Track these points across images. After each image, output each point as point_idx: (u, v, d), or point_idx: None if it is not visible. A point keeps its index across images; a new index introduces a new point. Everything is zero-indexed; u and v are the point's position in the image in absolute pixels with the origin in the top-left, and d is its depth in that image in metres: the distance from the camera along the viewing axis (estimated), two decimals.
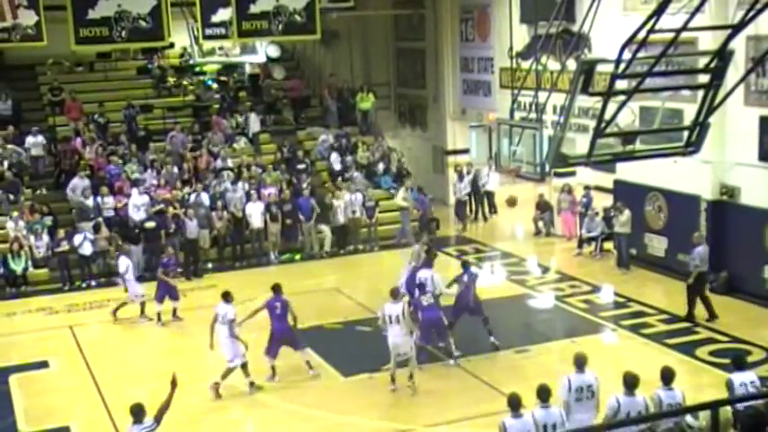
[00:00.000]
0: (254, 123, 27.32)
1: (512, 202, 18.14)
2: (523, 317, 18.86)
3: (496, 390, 14.60)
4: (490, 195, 26.55)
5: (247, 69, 29.77)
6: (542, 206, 24.57)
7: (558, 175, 22.15)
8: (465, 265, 16.78)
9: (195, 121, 27.35)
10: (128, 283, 19.07)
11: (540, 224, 24.59)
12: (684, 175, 18.85)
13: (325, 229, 23.64)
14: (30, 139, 24.72)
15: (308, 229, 23.54)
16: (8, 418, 14.26)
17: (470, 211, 26.78)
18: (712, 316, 17.11)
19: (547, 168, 13.66)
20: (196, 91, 28.47)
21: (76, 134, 25.48)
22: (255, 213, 23.13)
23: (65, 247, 21.54)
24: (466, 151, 27.84)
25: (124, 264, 19.03)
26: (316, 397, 14.56)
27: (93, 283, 21.61)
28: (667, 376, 10.62)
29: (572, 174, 23.17)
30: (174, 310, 18.85)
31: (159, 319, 18.64)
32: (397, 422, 13.51)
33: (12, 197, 23.30)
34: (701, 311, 17.21)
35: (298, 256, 23.36)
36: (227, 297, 15.20)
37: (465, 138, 27.93)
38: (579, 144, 16.10)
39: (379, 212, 24.72)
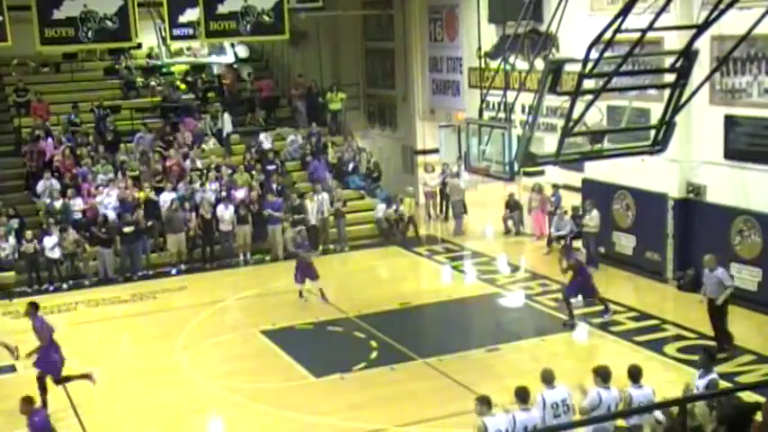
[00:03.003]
0: (227, 124, 27.20)
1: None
2: (494, 316, 18.96)
3: (468, 389, 14.64)
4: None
5: (215, 70, 29.64)
6: (512, 205, 24.69)
7: (527, 174, 22.26)
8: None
9: (164, 122, 27.18)
10: None
11: (510, 223, 24.71)
12: (652, 174, 19.02)
13: (295, 230, 23.55)
14: None
15: (274, 231, 23.39)
16: None
17: (440, 210, 26.87)
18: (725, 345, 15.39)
19: (516, 167, 13.74)
20: (164, 92, 28.29)
21: (46, 135, 25.21)
22: (225, 215, 23.03)
23: (30, 247, 21.29)
24: (436, 151, 27.87)
25: None
26: (287, 397, 14.53)
27: (62, 285, 21.40)
28: (635, 374, 10.74)
29: (541, 173, 23.30)
30: (321, 291, 19.31)
31: (301, 295, 19.31)
32: (369, 422, 13.52)
33: None
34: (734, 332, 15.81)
35: (268, 257, 23.30)
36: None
37: (435, 137, 27.98)
38: (548, 143, 16.23)
39: (348, 213, 24.72)
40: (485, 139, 13.85)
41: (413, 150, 28.68)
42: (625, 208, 20.66)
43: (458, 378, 15.05)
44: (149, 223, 22.50)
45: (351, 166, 26.79)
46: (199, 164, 25.26)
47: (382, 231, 24.78)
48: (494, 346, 16.28)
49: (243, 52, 30.11)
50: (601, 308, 17.52)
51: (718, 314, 15.44)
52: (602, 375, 10.59)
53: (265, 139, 27.02)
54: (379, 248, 24.05)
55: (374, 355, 16.21)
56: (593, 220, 20.79)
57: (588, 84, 11.98)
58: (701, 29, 11.42)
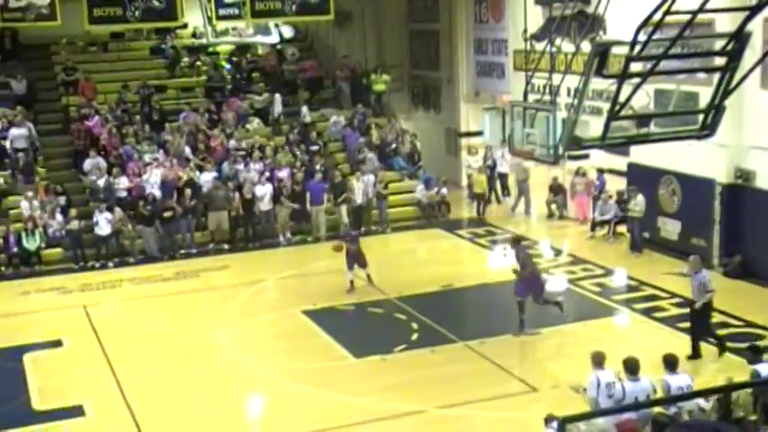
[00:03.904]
0: (277, 105, 27.27)
1: (338, 249, 19.00)
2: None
3: (508, 372, 14.63)
4: (503, 177, 26.46)
5: (260, 50, 29.73)
6: (556, 189, 24.49)
7: (571, 157, 21.99)
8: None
9: (208, 102, 27.33)
10: None
11: (553, 207, 24.52)
12: (699, 159, 18.73)
13: (342, 210, 23.62)
14: (13, 131, 24.17)
15: (317, 213, 23.50)
16: (22, 396, 14.36)
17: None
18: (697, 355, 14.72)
19: (560, 151, 13.56)
20: (209, 71, 28.43)
21: (93, 114, 25.47)
22: (265, 195, 23.14)
23: (76, 225, 21.62)
24: (479, 133, 27.73)
25: None
26: (327, 377, 14.59)
27: (107, 263, 21.67)
28: (671, 362, 10.67)
29: (585, 157, 23.00)
30: (368, 276, 19.06)
31: (351, 286, 18.82)
32: (409, 404, 13.53)
33: (27, 177, 23.37)
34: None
35: (309, 238, 23.38)
36: None
37: (478, 120, 27.83)
38: (593, 127, 16.00)
39: (390, 194, 24.70)
40: (529, 122, 13.71)
41: (456, 133, 28.54)
42: (671, 193, 20.38)
43: (498, 361, 15.00)
44: (192, 202, 22.69)
45: (393, 147, 26.75)
46: (243, 143, 25.38)
47: (423, 213, 24.74)
48: (535, 329, 16.18)
49: (288, 33, 30.15)
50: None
51: (697, 318, 14.73)
52: (630, 368, 10.53)
53: (307, 113, 27.06)
54: (421, 230, 24.02)
55: (415, 336, 16.21)
56: (637, 204, 20.55)
57: (635, 67, 11.77)
58: (753, 11, 11.16)
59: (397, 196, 25.25)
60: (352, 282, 18.79)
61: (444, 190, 25.21)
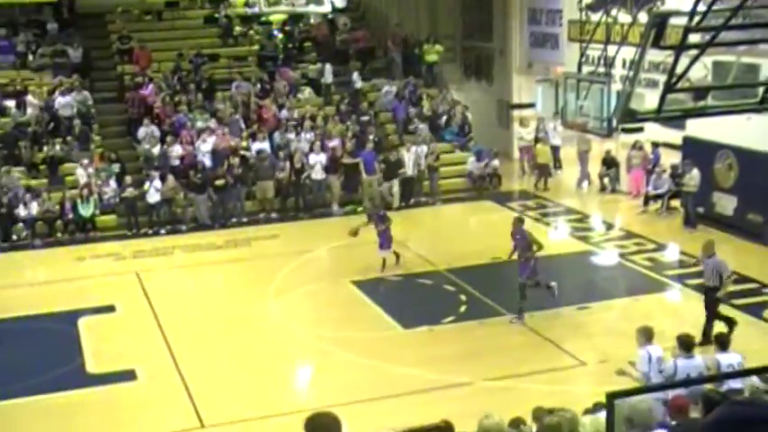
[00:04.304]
0: (328, 74, 27.27)
1: (354, 233, 18.44)
2: (585, 274, 18.69)
3: (557, 346, 14.56)
4: (555, 150, 26.19)
5: (312, 20, 29.66)
6: (608, 162, 24.18)
7: (625, 130, 21.68)
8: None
9: (261, 71, 27.40)
10: None
11: (606, 180, 24.23)
12: (758, 133, 18.31)
13: (394, 183, 23.57)
14: (59, 100, 24.43)
15: (370, 183, 23.53)
16: (76, 360, 14.66)
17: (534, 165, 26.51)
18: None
19: (614, 124, 13.39)
20: (262, 41, 28.48)
21: (147, 82, 25.70)
22: (317, 165, 23.20)
23: (131, 192, 21.92)
24: (531, 105, 27.45)
25: None
26: (375, 347, 14.65)
27: (160, 230, 21.94)
28: (722, 341, 10.54)
29: (640, 130, 22.63)
30: (396, 253, 18.45)
31: (384, 265, 18.28)
32: (456, 375, 13.54)
33: (82, 145, 23.70)
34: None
35: (360, 209, 23.41)
36: None
37: (531, 92, 27.54)
38: (648, 99, 15.74)
39: (441, 166, 24.60)
40: (583, 94, 13.53)
41: (508, 104, 28.27)
42: (727, 167, 19.99)
43: (547, 335, 14.93)
44: (243, 171, 22.82)
45: (445, 119, 26.61)
46: (294, 113, 25.43)
47: (474, 185, 24.62)
48: (584, 304, 16.05)
49: (340, 2, 29.97)
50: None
51: (712, 303, 14.20)
52: (684, 344, 10.40)
53: (357, 79, 27.03)
54: (472, 203, 23.91)
55: (463, 309, 16.19)
56: (692, 179, 20.20)
57: (694, 38, 11.52)
58: None
59: (448, 168, 25.13)
60: (397, 255, 18.53)
61: (496, 162, 25.04)
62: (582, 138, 24.37)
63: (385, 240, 18.32)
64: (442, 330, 15.30)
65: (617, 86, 13.71)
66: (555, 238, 21.24)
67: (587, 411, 9.14)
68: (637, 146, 23.13)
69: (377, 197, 23.39)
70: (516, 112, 27.76)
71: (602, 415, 7.83)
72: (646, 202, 22.28)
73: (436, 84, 28.32)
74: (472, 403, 11.90)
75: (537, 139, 25.92)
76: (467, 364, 14.00)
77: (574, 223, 21.79)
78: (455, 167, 25.30)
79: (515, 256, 15.78)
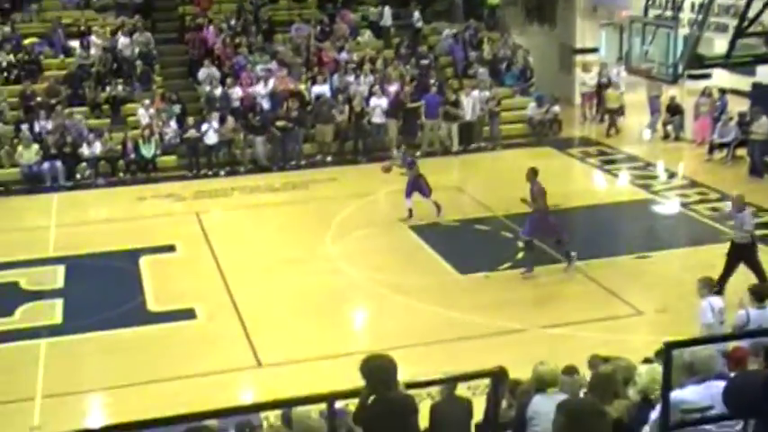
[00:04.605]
0: (388, 17, 27.02)
1: (387, 169, 17.77)
2: (646, 222, 18.43)
3: (614, 295, 14.44)
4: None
5: None
6: (673, 109, 23.67)
7: (691, 77, 21.17)
8: None
9: (320, 13, 27.24)
10: None
11: (670, 128, 23.74)
12: None
13: (453, 127, 23.41)
14: (122, 40, 24.63)
15: (430, 127, 23.40)
16: (138, 298, 14.97)
17: (596, 112, 26.10)
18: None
19: (680, 70, 13.08)
20: None
21: (207, 23, 25.74)
22: (377, 108, 23.11)
23: (192, 134, 22.11)
24: (595, 50, 26.92)
25: None
26: (431, 292, 14.68)
27: (219, 171, 22.13)
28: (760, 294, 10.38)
29: (707, 76, 22.11)
30: (436, 203, 17.91)
31: (411, 215, 17.96)
32: (512, 322, 13.53)
33: (144, 85, 23.93)
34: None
35: (418, 153, 23.29)
36: None
37: (595, 36, 26.98)
38: (717, 44, 15.34)
39: (501, 111, 24.31)
40: (648, 38, 13.22)
41: (571, 49, 27.73)
42: None
43: (605, 283, 14.81)
44: (301, 114, 22.85)
45: (506, 64, 26.23)
46: (353, 56, 25.30)
47: (533, 131, 24.34)
48: (644, 253, 15.84)
49: None
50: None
51: (743, 256, 13.64)
52: (757, 294, 10.22)
53: (417, 22, 26.71)
54: (531, 148, 23.64)
55: (520, 255, 16.10)
56: (761, 127, 19.69)
57: None
58: None
59: (508, 113, 24.84)
60: (410, 210, 17.95)
61: (556, 108, 24.70)
62: (653, 83, 23.85)
63: (410, 189, 17.89)
64: (499, 277, 15.26)
65: (684, 31, 13.35)
66: (615, 186, 20.98)
67: (645, 361, 9.06)
68: (706, 93, 22.55)
69: (436, 141, 23.32)
70: (579, 57, 27.24)
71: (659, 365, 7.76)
72: (711, 151, 21.81)
73: (497, 27, 27.88)
74: (527, 350, 11.89)
75: (601, 85, 25.45)
76: (522, 310, 13.98)
77: (635, 171, 21.45)
78: (515, 113, 25.01)
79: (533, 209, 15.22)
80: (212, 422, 6.56)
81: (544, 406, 6.84)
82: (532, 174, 15.34)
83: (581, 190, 20.74)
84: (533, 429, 7.12)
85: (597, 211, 18.87)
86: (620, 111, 24.88)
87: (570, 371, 8.59)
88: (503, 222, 17.80)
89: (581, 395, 7.52)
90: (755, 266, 13.65)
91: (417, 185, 17.86)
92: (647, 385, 6.85)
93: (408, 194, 17.92)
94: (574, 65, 27.48)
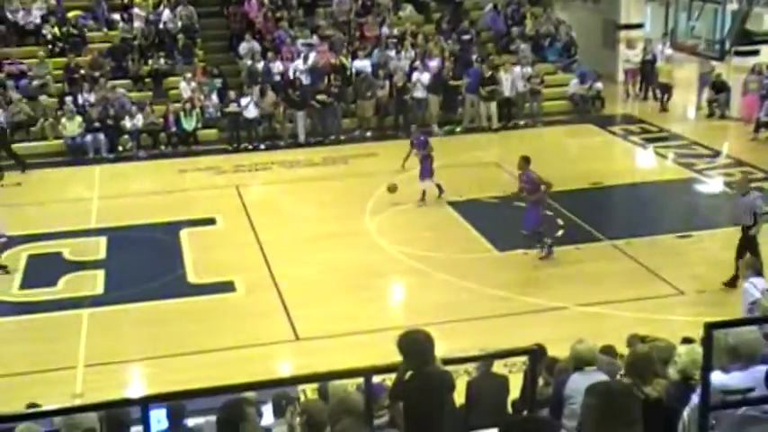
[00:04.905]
0: None
1: (392, 189, 17.33)
2: (688, 201, 18.19)
3: (655, 274, 14.30)
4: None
5: None
6: (718, 86, 23.27)
7: (738, 53, 20.78)
8: None
9: None
10: None
11: (714, 105, 23.36)
12: None
13: (492, 104, 23.23)
14: (165, 13, 24.64)
15: (471, 102, 23.26)
16: (178, 269, 15.12)
17: (639, 89, 25.76)
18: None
19: (727, 46, 12.83)
20: None
21: None
22: (418, 83, 23.00)
23: (233, 108, 22.19)
24: (639, 26, 26.49)
25: None
26: (469, 268, 14.64)
27: (259, 145, 22.19)
28: None
29: (755, 53, 21.68)
30: (439, 186, 17.64)
31: (423, 197, 17.64)
32: (550, 300, 13.47)
33: (185, 58, 24.02)
34: None
35: (459, 129, 23.20)
36: None
37: (640, 11, 26.55)
38: (767, 20, 15.03)
39: (544, 87, 24.08)
40: (695, 14, 12.98)
41: (615, 24, 27.32)
42: None
43: (645, 262, 14.66)
44: (342, 89, 22.81)
45: (548, 39, 25.95)
46: (395, 30, 25.17)
47: (576, 108, 24.09)
48: (686, 232, 15.66)
49: None
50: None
51: (748, 245, 13.27)
52: None
53: None
54: (573, 125, 23.42)
55: (560, 233, 16.00)
56: None
57: None
58: None
59: (550, 90, 24.59)
60: (438, 186, 17.64)
61: (599, 84, 24.41)
62: (704, 60, 23.44)
63: (425, 169, 17.52)
64: (538, 254, 15.17)
65: (732, 6, 13.07)
66: (658, 164, 20.73)
67: (684, 341, 8.97)
68: (755, 70, 22.11)
69: (476, 117, 23.18)
70: (623, 33, 26.84)
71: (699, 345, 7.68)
72: (757, 129, 21.44)
73: (540, 2, 27.56)
74: (564, 328, 11.86)
75: (645, 62, 25.09)
76: (561, 288, 13.90)
77: (678, 149, 21.15)
78: (557, 89, 24.75)
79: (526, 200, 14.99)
80: (250, 394, 6.62)
81: (582, 384, 6.79)
82: (524, 163, 15.01)
83: (622, 168, 20.53)
84: (570, 407, 7.09)
85: (639, 189, 18.67)
86: (671, 85, 24.44)
87: (608, 350, 8.54)
88: None
89: (619, 374, 7.46)
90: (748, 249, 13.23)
91: (428, 168, 17.49)
92: (686, 365, 6.77)
93: (423, 177, 17.58)
94: (618, 41, 27.09)
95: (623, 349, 8.81)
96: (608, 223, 16.61)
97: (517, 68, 23.51)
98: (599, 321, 12.67)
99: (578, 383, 6.99)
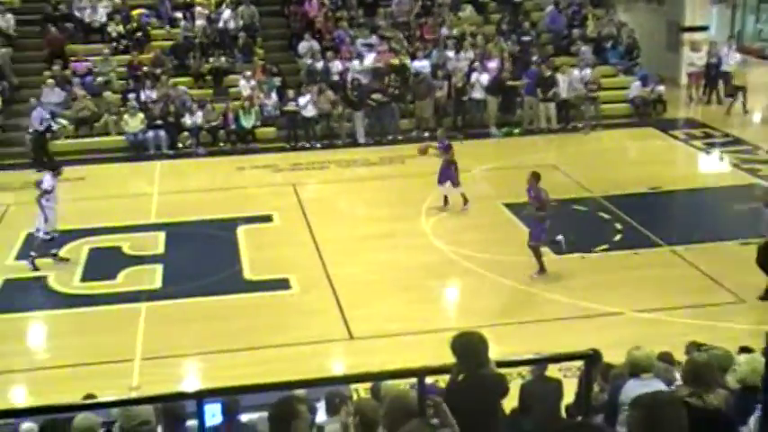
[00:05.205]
0: None
1: (423, 151, 16.79)
2: (751, 208, 17.79)
3: (715, 281, 14.04)
4: (726, 76, 24.83)
5: None
6: None
7: None
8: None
9: None
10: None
11: None
12: None
13: (550, 105, 23.03)
14: (227, 12, 24.83)
15: (530, 104, 23.10)
16: (235, 266, 15.25)
17: (703, 92, 25.33)
18: None
19: None
20: None
21: None
22: (477, 85, 22.90)
23: (292, 106, 22.33)
24: (704, 28, 26.06)
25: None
26: (524, 271, 14.50)
27: (316, 144, 22.29)
28: None
29: None
30: (464, 196, 17.31)
31: (446, 202, 17.44)
32: (607, 305, 13.29)
33: (245, 57, 24.24)
34: None
35: (517, 130, 23.04)
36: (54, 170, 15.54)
37: (705, 13, 26.11)
38: None
39: (603, 90, 23.78)
40: (763, 16, 12.70)
41: (679, 27, 26.89)
42: None
43: (705, 269, 14.41)
44: (400, 89, 22.80)
45: (610, 42, 25.63)
46: (454, 31, 25.10)
47: (637, 111, 23.75)
48: (748, 239, 15.34)
49: None
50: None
51: None
52: None
53: None
54: (633, 129, 23.10)
55: (618, 237, 15.80)
56: None
57: None
58: None
59: (610, 92, 24.28)
60: (446, 197, 17.32)
61: (661, 87, 24.05)
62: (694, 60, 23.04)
63: (444, 174, 17.15)
64: (595, 258, 15.01)
65: None
66: (719, 169, 20.35)
67: (742, 350, 8.80)
68: None
69: (535, 119, 23.00)
70: (687, 36, 26.40)
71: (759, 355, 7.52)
72: None
73: (603, 3, 27.24)
74: (621, 334, 11.70)
75: (710, 65, 24.66)
76: (618, 293, 13.71)
77: (741, 154, 20.72)
78: (617, 92, 24.43)
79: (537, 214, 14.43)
80: (302, 391, 6.65)
81: (637, 391, 6.69)
82: (533, 177, 14.49)
83: (683, 172, 20.22)
84: (626, 414, 6.99)
85: (699, 194, 18.36)
86: (746, 88, 23.92)
87: (666, 357, 8.40)
88: (601, 203, 17.47)
89: (677, 383, 7.34)
90: None
91: (448, 174, 17.15)
92: (746, 374, 6.65)
93: (441, 181, 17.29)
94: (681, 43, 26.66)
95: (681, 356, 8.67)
96: (667, 228, 16.32)
97: (576, 71, 23.25)
98: (656, 328, 12.47)
99: (634, 390, 6.88)
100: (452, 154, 17.31)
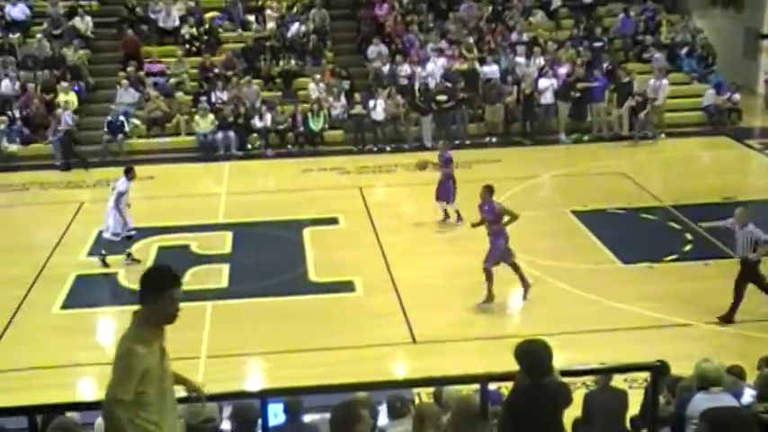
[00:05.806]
0: None
1: (422, 167, 16.20)
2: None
3: None
4: None
5: None
6: None
7: None
8: None
9: None
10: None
11: None
12: None
13: (623, 112, 22.68)
14: (294, 26, 24.95)
15: (599, 111, 22.79)
16: (300, 267, 15.36)
17: None
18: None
19: None
20: None
21: (381, 1, 25.91)
22: (547, 91, 22.69)
23: (359, 110, 22.40)
24: None
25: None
26: (591, 279, 14.35)
27: (384, 147, 22.31)
28: None
29: None
30: (458, 212, 16.81)
31: (446, 216, 17.14)
32: (676, 316, 13.04)
33: (315, 60, 24.41)
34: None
35: (586, 137, 22.76)
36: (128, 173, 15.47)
37: None
38: None
39: (677, 98, 23.35)
40: None
41: (758, 33, 26.25)
42: None
43: None
44: (469, 94, 22.71)
45: (685, 48, 25.17)
46: (525, 37, 24.92)
47: (711, 119, 23.27)
48: None
49: None
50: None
51: (751, 276, 12.76)
52: None
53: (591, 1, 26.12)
54: (707, 138, 22.64)
55: (688, 247, 15.51)
56: None
57: None
58: None
59: (684, 100, 23.86)
60: (445, 212, 16.94)
61: (737, 96, 23.53)
62: None
63: (440, 190, 16.77)
64: (664, 268, 14.74)
65: None
66: None
67: None
68: None
69: (606, 125, 22.69)
70: (766, 43, 25.78)
71: None
72: None
73: (677, 9, 26.77)
74: (689, 346, 11.48)
75: None
76: (688, 304, 13.44)
77: None
78: (691, 100, 23.98)
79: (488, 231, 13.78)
80: (364, 394, 6.64)
81: (706, 405, 6.55)
82: (487, 192, 13.82)
83: (758, 183, 19.74)
84: (692, 428, 6.84)
85: None
86: None
87: (735, 370, 8.21)
88: (671, 212, 17.17)
89: (747, 397, 7.16)
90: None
91: (446, 188, 16.74)
92: None
93: (439, 198, 16.95)
94: (760, 51, 26.03)
95: (751, 371, 8.45)
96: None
97: (652, 81, 22.79)
98: (727, 341, 12.19)
99: (702, 404, 6.73)
100: (452, 168, 16.92)
